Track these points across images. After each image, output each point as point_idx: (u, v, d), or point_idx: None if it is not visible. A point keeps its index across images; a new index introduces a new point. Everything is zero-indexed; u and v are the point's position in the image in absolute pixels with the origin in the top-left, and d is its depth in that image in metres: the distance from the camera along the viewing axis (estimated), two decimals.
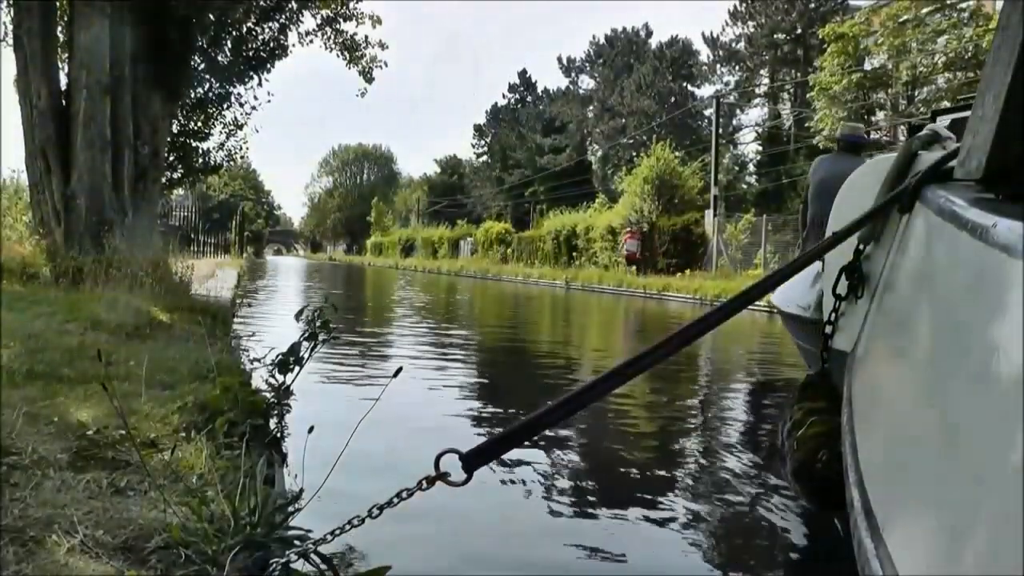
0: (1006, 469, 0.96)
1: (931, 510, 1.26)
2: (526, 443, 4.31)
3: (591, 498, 4.48)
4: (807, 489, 2.60)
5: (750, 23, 50.27)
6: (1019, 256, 1.09)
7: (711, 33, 52.99)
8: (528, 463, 4.89)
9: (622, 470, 5.13)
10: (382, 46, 16.90)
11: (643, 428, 6.49)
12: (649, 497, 4.48)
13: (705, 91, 53.82)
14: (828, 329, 2.70)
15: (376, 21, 16.57)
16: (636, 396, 7.34)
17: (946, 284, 1.68)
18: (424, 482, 2.22)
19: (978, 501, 1.04)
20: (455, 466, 2.18)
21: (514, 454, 4.72)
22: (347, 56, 16.59)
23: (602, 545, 3.72)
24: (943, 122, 6.43)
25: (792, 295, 6.13)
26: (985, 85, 1.86)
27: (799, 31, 47.34)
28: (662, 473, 5.08)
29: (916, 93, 29.23)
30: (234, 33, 14.47)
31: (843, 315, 2.68)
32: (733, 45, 51.73)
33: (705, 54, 54.45)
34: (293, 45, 15.38)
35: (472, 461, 2.19)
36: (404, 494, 2.26)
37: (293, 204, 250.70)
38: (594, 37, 67.49)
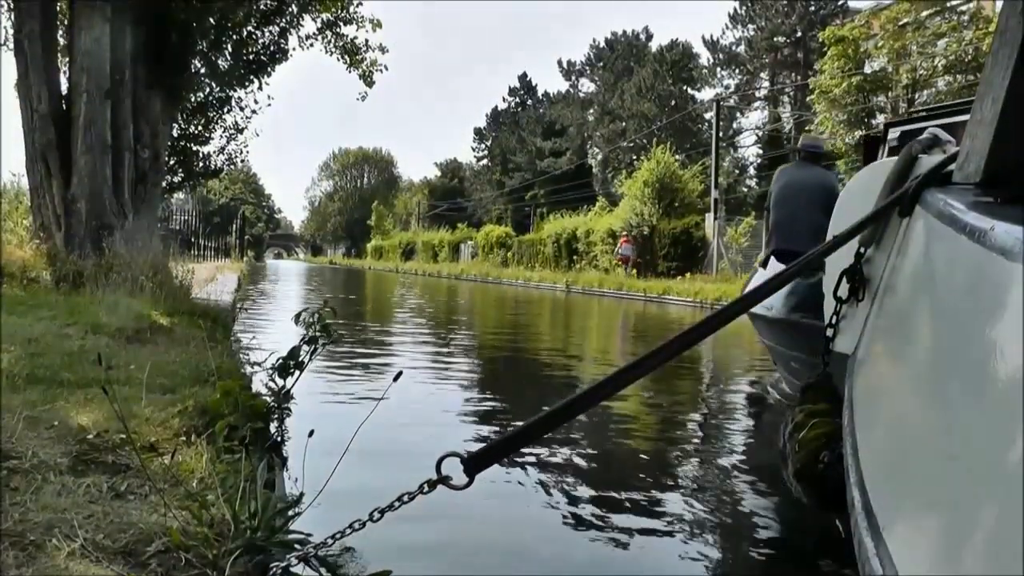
0: (1005, 469, 0.96)
1: (931, 510, 1.27)
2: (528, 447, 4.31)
3: (592, 500, 4.48)
4: (809, 490, 2.60)
5: (750, 26, 50.35)
6: (1016, 259, 1.10)
7: (711, 36, 53.12)
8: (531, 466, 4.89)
9: (624, 469, 5.14)
10: (382, 50, 16.91)
11: (644, 429, 6.49)
12: (651, 499, 4.48)
13: (705, 94, 53.90)
14: (829, 332, 2.71)
15: (376, 25, 16.58)
16: (635, 398, 7.34)
17: (945, 287, 1.69)
18: (426, 485, 2.22)
19: (978, 501, 1.04)
20: (456, 469, 2.18)
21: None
22: (347, 60, 16.60)
23: (604, 547, 3.72)
24: (894, 134, 6.52)
25: None
26: (984, 89, 1.86)
27: (799, 34, 47.40)
28: (663, 470, 5.09)
29: (916, 96, 29.24)
30: (234, 37, 14.48)
31: (844, 318, 2.68)
32: (733, 48, 51.81)
33: (705, 57, 54.56)
34: (293, 49, 15.39)
35: (473, 464, 2.19)
36: (405, 497, 2.26)
37: (293, 208, 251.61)
38: (594, 40, 67.68)
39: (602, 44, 65.54)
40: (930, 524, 1.26)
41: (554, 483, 4.68)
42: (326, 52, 16.46)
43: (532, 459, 5.05)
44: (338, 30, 16.34)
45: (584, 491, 4.59)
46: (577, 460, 5.29)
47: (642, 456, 5.63)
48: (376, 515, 2.29)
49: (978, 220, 1.37)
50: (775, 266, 6.64)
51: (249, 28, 14.70)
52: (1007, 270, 1.13)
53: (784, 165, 8.01)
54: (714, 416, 7.45)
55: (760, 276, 7.22)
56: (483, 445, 2.30)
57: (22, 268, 9.95)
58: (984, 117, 1.79)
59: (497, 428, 6.23)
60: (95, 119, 10.97)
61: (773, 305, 6.58)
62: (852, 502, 1.73)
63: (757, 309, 6.45)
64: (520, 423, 2.27)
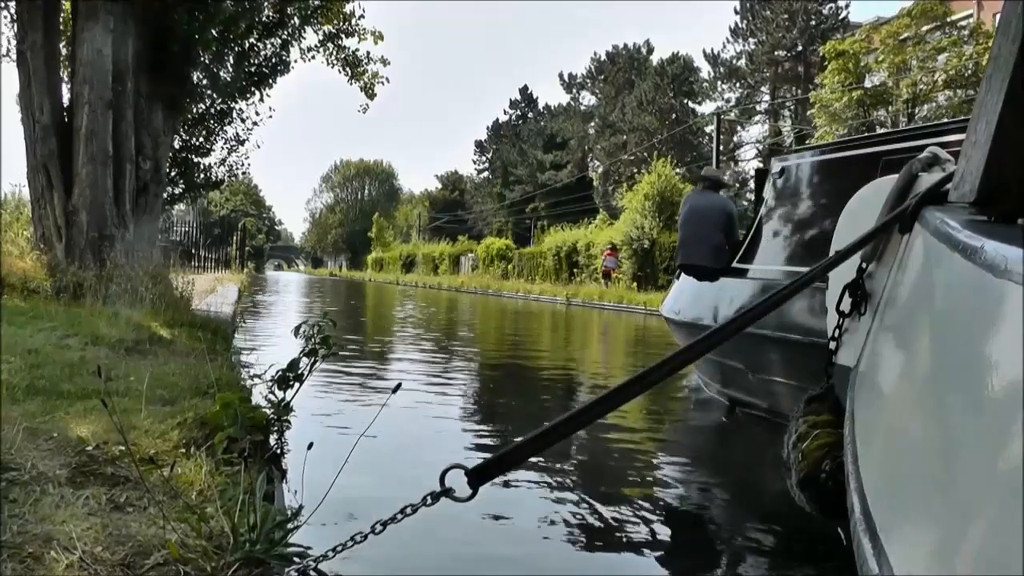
0: (996, 477, 1.00)
1: (926, 514, 1.30)
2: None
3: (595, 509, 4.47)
4: (811, 498, 2.63)
5: (751, 40, 50.52)
6: (1004, 276, 1.14)
7: (712, 50, 53.27)
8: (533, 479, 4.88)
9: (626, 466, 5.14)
10: (384, 62, 16.96)
11: (642, 428, 6.50)
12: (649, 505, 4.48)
13: (706, 108, 54.04)
14: (832, 345, 2.73)
15: (378, 37, 16.62)
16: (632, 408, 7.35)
17: (941, 302, 1.74)
18: (428, 498, 2.21)
19: (971, 507, 1.08)
20: (459, 481, 2.17)
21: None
22: (349, 72, 16.64)
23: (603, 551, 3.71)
24: (776, 167, 7.33)
25: (669, 303, 8.41)
26: (978, 111, 1.92)
27: (800, 48, 47.57)
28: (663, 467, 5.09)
29: (916, 111, 29.34)
30: (236, 49, 14.51)
31: (847, 331, 2.71)
32: (734, 62, 51.97)
33: (706, 71, 54.72)
34: (295, 61, 15.42)
35: (477, 477, 2.19)
36: (408, 510, 2.25)
37: (294, 219, 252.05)
38: (595, 53, 67.88)
39: (603, 57, 65.77)
40: (926, 527, 1.29)
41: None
42: (328, 64, 16.51)
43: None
44: (340, 43, 16.38)
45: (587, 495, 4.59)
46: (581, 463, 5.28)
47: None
48: (378, 527, 2.28)
49: (971, 238, 1.41)
50: (684, 278, 7.98)
51: (251, 40, 14.73)
52: (997, 287, 1.16)
53: (691, 191, 9.49)
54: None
55: (675, 286, 8.62)
56: (487, 458, 2.29)
57: (23, 279, 9.95)
58: (978, 139, 1.84)
59: (498, 439, 6.22)
60: (97, 130, 10.99)
61: (680, 309, 7.97)
62: (852, 508, 1.77)
63: (667, 313, 8.36)
64: (522, 437, 2.26)
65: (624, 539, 4.03)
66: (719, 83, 53.29)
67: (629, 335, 19.41)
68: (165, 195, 14.35)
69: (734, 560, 3.95)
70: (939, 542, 1.19)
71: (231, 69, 14.82)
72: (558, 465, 5.31)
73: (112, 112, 11.19)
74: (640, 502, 4.63)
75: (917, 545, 1.29)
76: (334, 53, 16.40)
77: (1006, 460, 0.96)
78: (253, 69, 14.92)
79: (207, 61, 13.86)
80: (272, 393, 4.12)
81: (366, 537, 2.29)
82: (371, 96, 17.09)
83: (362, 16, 16.37)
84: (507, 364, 12.31)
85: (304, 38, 15.57)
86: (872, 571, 1.38)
